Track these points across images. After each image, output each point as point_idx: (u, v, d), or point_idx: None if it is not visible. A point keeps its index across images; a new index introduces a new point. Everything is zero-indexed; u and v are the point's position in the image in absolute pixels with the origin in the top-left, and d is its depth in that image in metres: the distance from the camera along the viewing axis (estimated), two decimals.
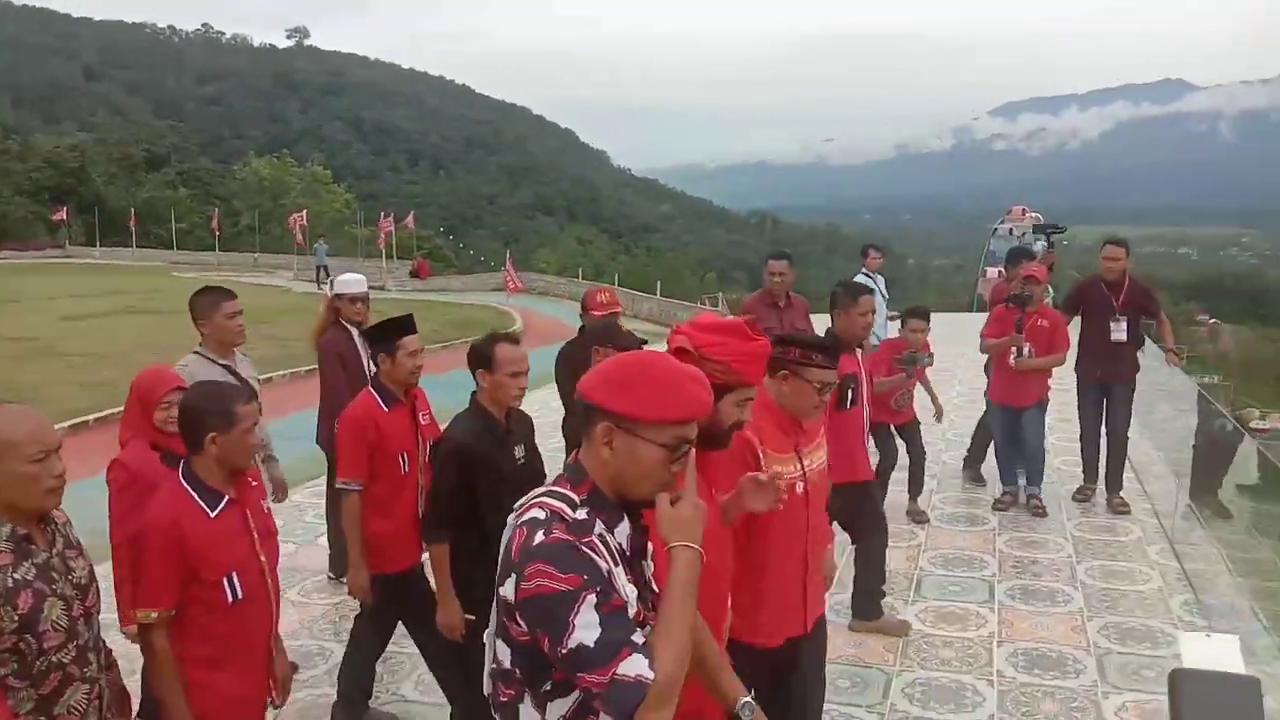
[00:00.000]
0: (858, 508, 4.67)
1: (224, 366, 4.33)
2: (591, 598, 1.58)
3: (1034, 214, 30.40)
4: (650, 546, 1.86)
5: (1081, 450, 7.10)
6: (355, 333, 5.33)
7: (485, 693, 1.81)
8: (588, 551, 1.63)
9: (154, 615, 2.60)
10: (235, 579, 2.69)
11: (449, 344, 18.29)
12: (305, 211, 41.66)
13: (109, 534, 3.29)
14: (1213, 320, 71.50)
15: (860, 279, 9.13)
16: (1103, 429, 6.98)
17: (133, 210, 48.31)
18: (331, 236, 50.96)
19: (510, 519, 1.78)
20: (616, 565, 1.68)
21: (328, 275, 32.04)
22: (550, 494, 1.74)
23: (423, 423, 3.96)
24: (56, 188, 53.96)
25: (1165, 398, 9.40)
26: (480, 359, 3.50)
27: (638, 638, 1.61)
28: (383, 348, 3.84)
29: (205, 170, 69.37)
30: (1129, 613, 5.14)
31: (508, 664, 1.71)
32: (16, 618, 2.19)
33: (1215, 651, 1.60)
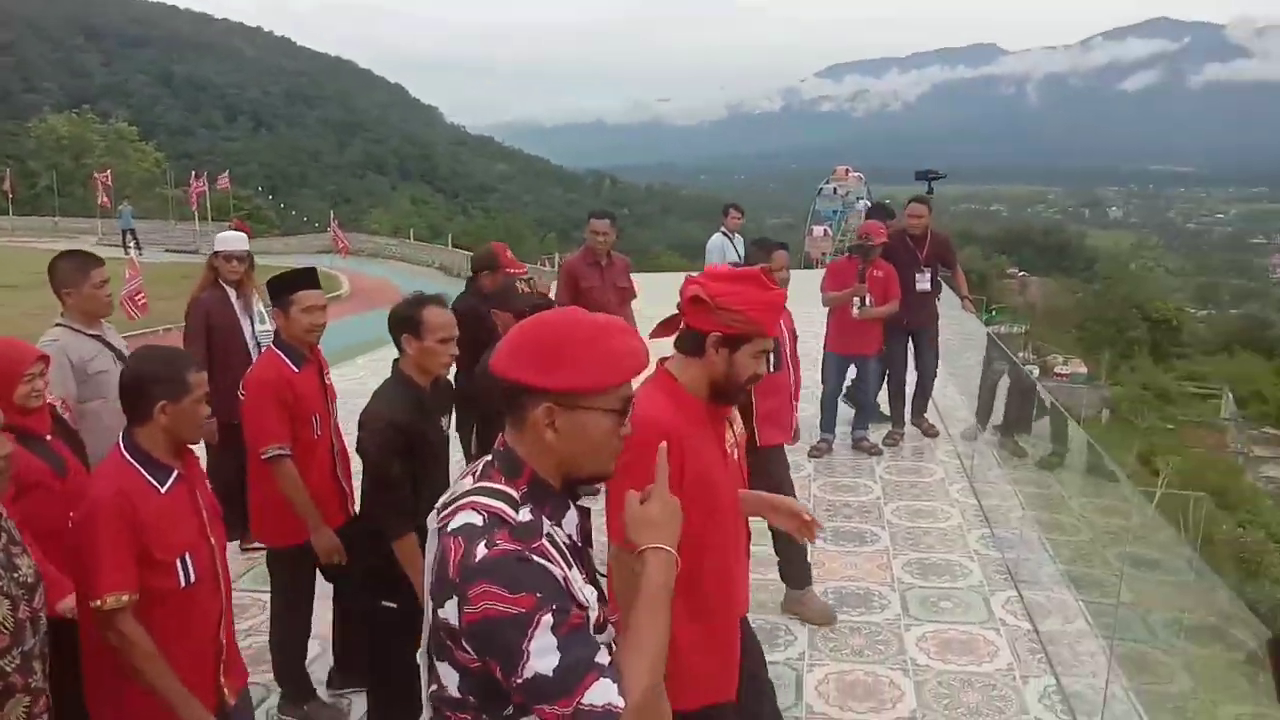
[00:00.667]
0: (785, 471, 4.58)
1: (94, 337, 3.99)
2: (547, 618, 1.38)
3: (856, 173, 31.43)
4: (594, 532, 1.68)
5: (889, 396, 7.48)
6: (233, 294, 5.14)
7: (426, 719, 1.60)
8: (539, 561, 1.43)
9: (125, 598, 2.34)
10: (189, 560, 2.49)
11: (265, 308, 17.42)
12: (110, 171, 38.64)
13: None
14: (1021, 273, 76.28)
15: (718, 238, 9.11)
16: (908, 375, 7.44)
17: None
18: (141, 198, 47.75)
19: (432, 524, 1.57)
20: (571, 567, 1.49)
21: (134, 239, 30.05)
22: (482, 491, 1.52)
23: (327, 382, 3.81)
24: None
25: (971, 346, 9.93)
26: (405, 324, 3.24)
27: (602, 657, 1.41)
28: (277, 303, 3.62)
29: None
30: (930, 549, 5.44)
31: (455, 690, 1.49)
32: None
33: None
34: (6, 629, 2.05)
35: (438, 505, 1.60)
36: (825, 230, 30.78)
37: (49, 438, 3.01)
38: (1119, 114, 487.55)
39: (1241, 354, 53.66)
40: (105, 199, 35.32)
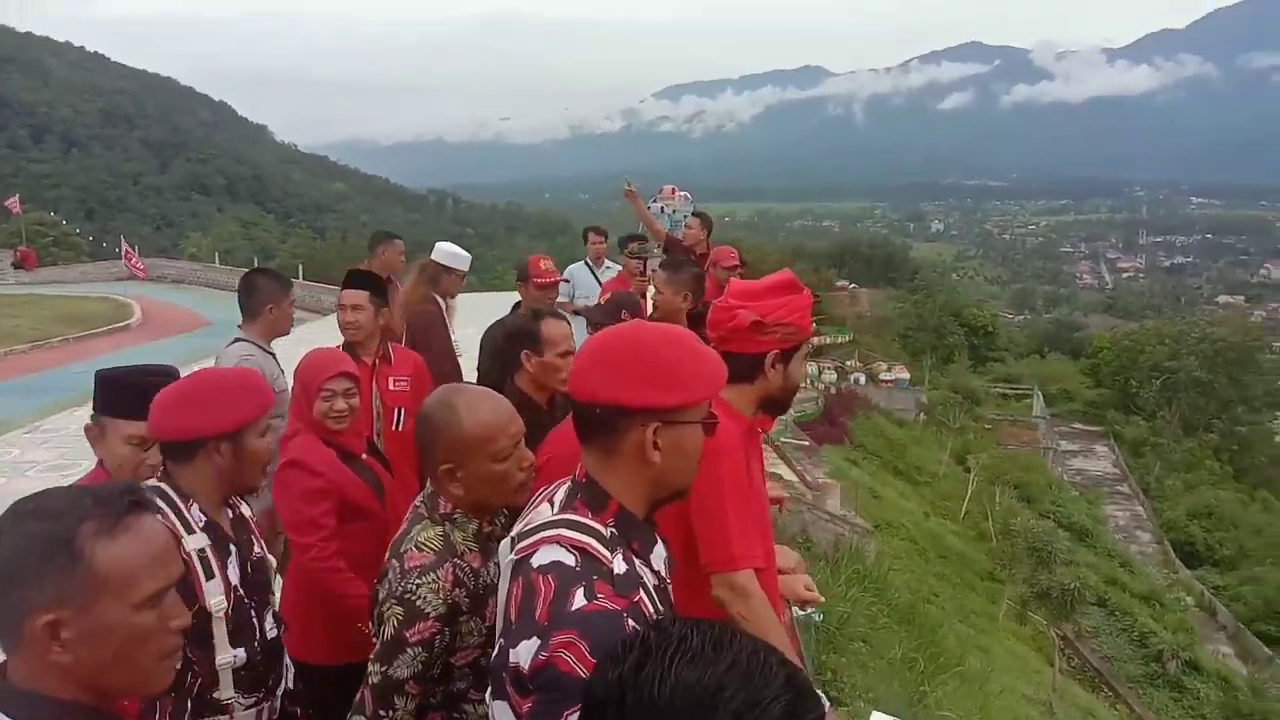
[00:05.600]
0: None
1: (270, 354, 3.95)
2: None
3: (683, 193, 32.12)
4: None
5: None
6: (444, 304, 5.14)
7: None
8: (632, 627, 1.32)
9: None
10: None
11: (45, 342, 16.48)
12: None
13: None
14: (851, 285, 79.55)
15: (579, 269, 7.61)
16: None
17: None
18: None
19: (506, 554, 1.49)
20: (658, 613, 1.43)
21: None
22: (567, 524, 1.43)
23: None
24: None
25: None
26: (523, 338, 3.07)
27: None
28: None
29: None
30: None
31: None
32: (484, 630, 1.90)
33: None
34: None
35: (513, 534, 1.52)
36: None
37: (364, 457, 2.94)
38: (938, 132, 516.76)
39: (1051, 355, 57.63)
40: None
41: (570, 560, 1.39)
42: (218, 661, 2.05)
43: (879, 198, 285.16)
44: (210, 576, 2.04)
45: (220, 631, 2.05)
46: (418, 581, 1.84)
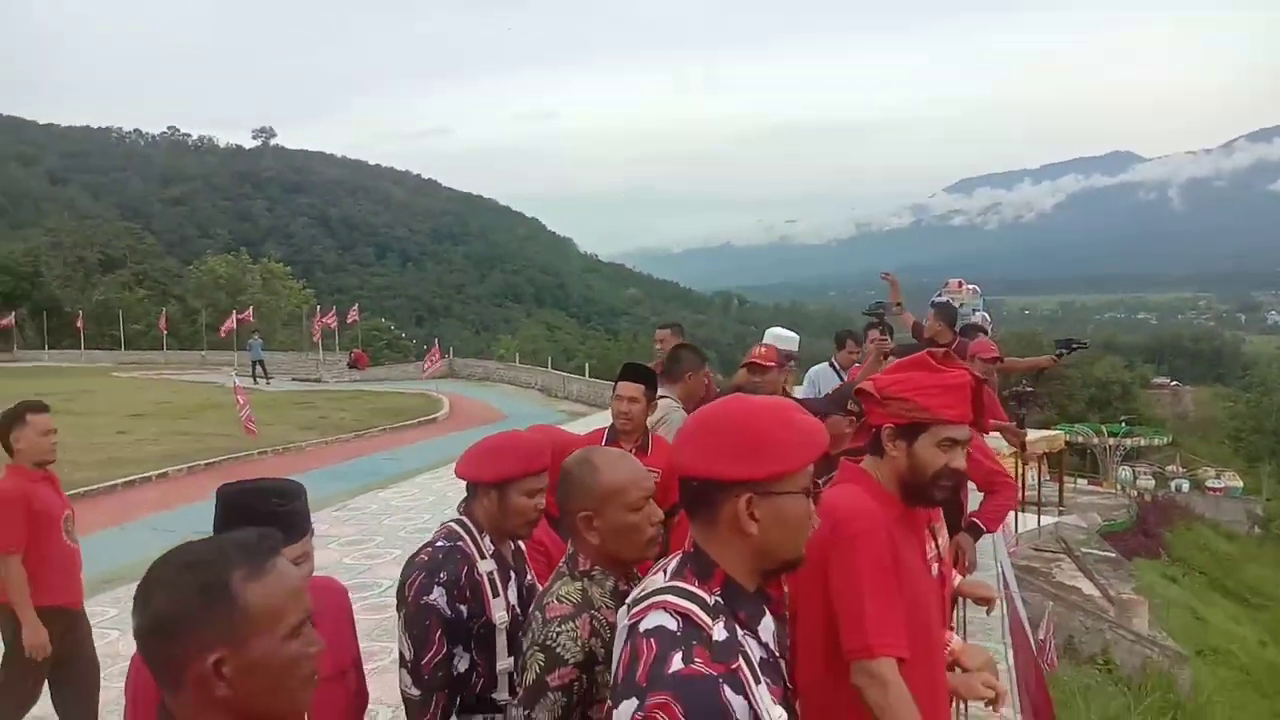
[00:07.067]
0: None
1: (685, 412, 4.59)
2: None
3: (971, 286, 31.01)
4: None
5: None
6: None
7: None
8: (729, 694, 1.38)
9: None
10: None
11: (365, 432, 18.46)
12: (252, 308, 41.41)
13: None
14: (1173, 383, 72.79)
15: (823, 369, 7.42)
16: None
17: (80, 312, 48.01)
18: (290, 331, 50.92)
19: (623, 619, 1.58)
20: (759, 683, 1.44)
21: (263, 369, 31.85)
22: (674, 591, 1.50)
23: None
24: (11, 293, 53.55)
25: None
26: None
27: None
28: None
29: (162, 270, 69.31)
30: None
31: None
32: None
33: None
34: None
35: (629, 600, 1.60)
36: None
37: None
38: (1269, 215, 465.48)
39: None
40: (223, 331, 37.78)
41: (673, 625, 1.44)
42: (498, 667, 2.37)
43: (1202, 287, 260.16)
44: (496, 595, 2.39)
45: (501, 641, 2.38)
46: (558, 630, 1.97)
